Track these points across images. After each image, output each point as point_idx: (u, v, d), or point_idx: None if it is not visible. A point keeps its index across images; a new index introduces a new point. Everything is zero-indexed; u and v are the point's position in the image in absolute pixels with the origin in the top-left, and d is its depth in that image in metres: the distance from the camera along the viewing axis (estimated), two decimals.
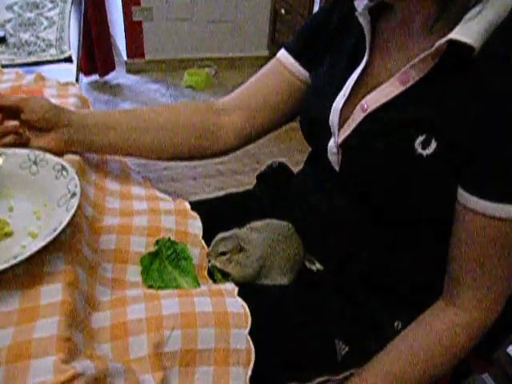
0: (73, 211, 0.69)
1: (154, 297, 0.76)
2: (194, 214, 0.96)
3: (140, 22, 3.61)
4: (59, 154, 0.88)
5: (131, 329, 0.70)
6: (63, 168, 0.78)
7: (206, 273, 0.89)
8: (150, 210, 0.93)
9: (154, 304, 0.74)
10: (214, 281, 0.88)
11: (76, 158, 0.90)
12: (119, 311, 0.73)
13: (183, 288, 0.81)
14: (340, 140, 0.84)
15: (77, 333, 0.64)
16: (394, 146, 0.74)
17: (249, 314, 0.77)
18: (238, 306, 0.78)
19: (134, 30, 3.62)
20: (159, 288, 0.80)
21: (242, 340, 0.74)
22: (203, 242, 0.91)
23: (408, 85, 0.75)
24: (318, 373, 0.82)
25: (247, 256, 0.84)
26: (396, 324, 0.86)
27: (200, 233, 0.92)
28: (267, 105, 1.02)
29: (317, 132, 0.90)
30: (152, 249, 0.85)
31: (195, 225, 0.93)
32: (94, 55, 3.39)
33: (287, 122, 1.08)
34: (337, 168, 0.87)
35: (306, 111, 0.93)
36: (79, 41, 1.41)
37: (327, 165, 0.89)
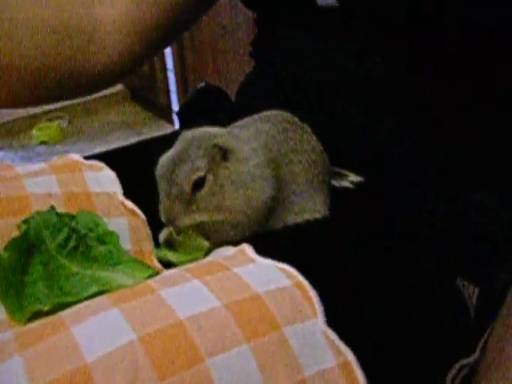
0: None
1: (48, 329, 0.27)
2: (95, 162, 0.47)
3: None
4: None
5: None
6: None
7: (153, 259, 0.41)
8: None
9: (54, 341, 0.25)
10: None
11: None
12: None
13: (121, 287, 0.32)
14: None
15: None
16: None
17: (305, 283, 0.31)
18: (273, 276, 0.31)
19: None
20: (52, 311, 0.30)
21: (320, 347, 0.28)
22: (131, 204, 0.43)
23: None
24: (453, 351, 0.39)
25: (239, 160, 0.39)
26: None
27: (118, 188, 0.44)
28: None
29: None
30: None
31: (103, 177, 0.45)
32: None
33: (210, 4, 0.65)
34: None
35: None
36: None
37: (300, 10, 0.49)
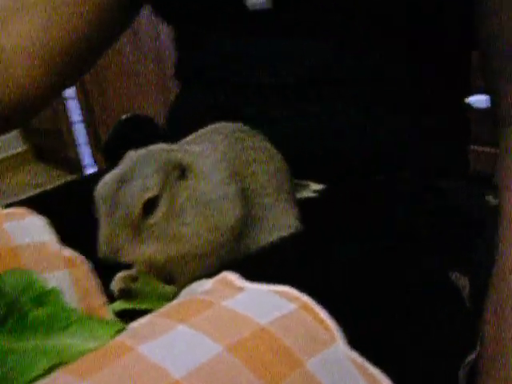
0: None
1: None
2: (15, 210, 0.38)
3: None
4: None
5: None
6: None
7: (109, 314, 0.33)
8: None
9: None
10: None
11: None
12: None
13: (81, 354, 0.24)
14: None
15: None
16: None
17: (313, 304, 0.26)
18: (273, 302, 0.26)
19: None
20: None
21: (350, 376, 0.23)
22: (71, 252, 0.35)
23: None
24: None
25: (199, 177, 0.33)
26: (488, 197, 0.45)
27: (51, 236, 0.36)
28: None
29: None
30: None
31: (30, 226, 0.36)
32: None
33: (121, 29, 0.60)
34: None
35: None
36: None
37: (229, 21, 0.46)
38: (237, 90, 0.48)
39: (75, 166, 2.35)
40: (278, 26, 0.45)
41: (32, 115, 0.54)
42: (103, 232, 0.30)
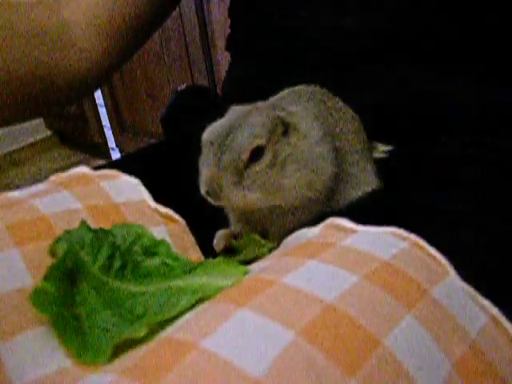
0: None
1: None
2: (107, 171, 0.40)
3: None
4: None
5: None
6: None
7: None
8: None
9: (193, 365, 0.18)
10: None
11: None
12: None
13: (219, 290, 0.25)
14: None
15: None
16: None
17: (423, 242, 0.27)
18: (387, 240, 0.27)
19: None
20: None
21: (467, 304, 0.25)
22: (167, 209, 0.37)
23: None
24: None
25: (299, 136, 0.34)
26: None
27: (145, 194, 0.37)
28: None
29: None
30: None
31: (124, 185, 0.38)
32: None
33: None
34: None
35: None
36: None
37: None
38: (299, 57, 0.48)
39: (100, 149, 2.37)
40: None
41: (93, 89, 0.55)
42: (209, 171, 0.31)
